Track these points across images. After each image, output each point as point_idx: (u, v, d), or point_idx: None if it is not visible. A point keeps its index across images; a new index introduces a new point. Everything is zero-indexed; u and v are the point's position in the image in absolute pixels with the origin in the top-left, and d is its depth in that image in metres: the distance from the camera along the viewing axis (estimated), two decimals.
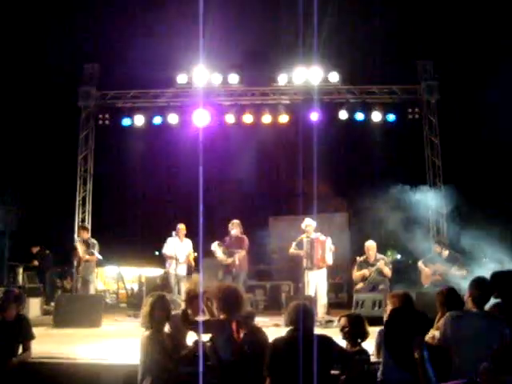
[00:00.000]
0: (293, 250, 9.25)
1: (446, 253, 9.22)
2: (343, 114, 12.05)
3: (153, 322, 4.38)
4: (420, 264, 9.40)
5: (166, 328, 4.56)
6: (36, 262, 12.24)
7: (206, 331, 4.34)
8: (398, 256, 9.25)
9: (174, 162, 13.58)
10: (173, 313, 4.69)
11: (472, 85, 12.74)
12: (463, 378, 2.97)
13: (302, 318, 4.04)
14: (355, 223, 12.18)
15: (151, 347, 4.30)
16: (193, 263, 9.94)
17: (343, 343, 4.40)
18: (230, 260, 9.26)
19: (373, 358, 4.40)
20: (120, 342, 6.62)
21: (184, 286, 9.62)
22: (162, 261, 10.18)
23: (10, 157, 13.00)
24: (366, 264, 9.12)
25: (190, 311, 4.64)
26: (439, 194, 11.90)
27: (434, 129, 12.17)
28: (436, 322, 4.94)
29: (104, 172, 13.06)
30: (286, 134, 12.70)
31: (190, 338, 4.80)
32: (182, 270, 9.68)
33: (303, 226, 9.20)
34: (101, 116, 12.44)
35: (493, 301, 4.39)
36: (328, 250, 9.03)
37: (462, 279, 8.44)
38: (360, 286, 9.05)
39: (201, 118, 12.06)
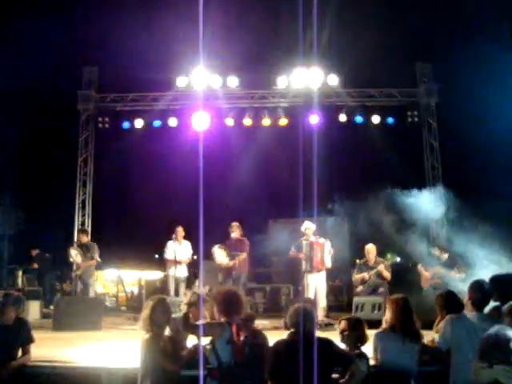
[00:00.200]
0: (292, 252, 9.25)
1: (445, 256, 9.21)
2: (343, 117, 12.08)
3: (153, 325, 4.38)
4: (419, 267, 9.40)
5: (166, 331, 4.56)
6: (35, 265, 12.24)
7: (206, 334, 4.33)
8: (398, 259, 9.24)
9: (174, 164, 13.58)
10: (173, 316, 4.69)
11: (471, 88, 12.76)
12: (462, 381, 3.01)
13: (303, 320, 4.04)
14: (354, 226, 12.17)
15: (151, 350, 4.29)
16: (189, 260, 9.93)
17: (342, 346, 4.40)
18: (230, 263, 9.25)
19: (371, 362, 4.40)
20: (120, 345, 6.61)
21: (183, 288, 9.65)
22: (161, 264, 10.18)
23: (10, 160, 13.01)
24: (366, 267, 9.12)
25: (191, 314, 4.64)
26: (438, 197, 11.90)
27: (433, 132, 12.20)
28: (435, 325, 4.95)
29: (104, 175, 13.06)
30: (285, 137, 12.71)
31: (191, 341, 4.80)
32: (182, 273, 9.69)
33: (303, 228, 9.19)
34: (100, 119, 12.45)
35: (492, 304, 4.40)
36: (327, 253, 9.02)
37: (461, 282, 8.44)
38: (360, 288, 9.05)
39: (200, 121, 12.07)
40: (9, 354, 4.85)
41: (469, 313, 4.27)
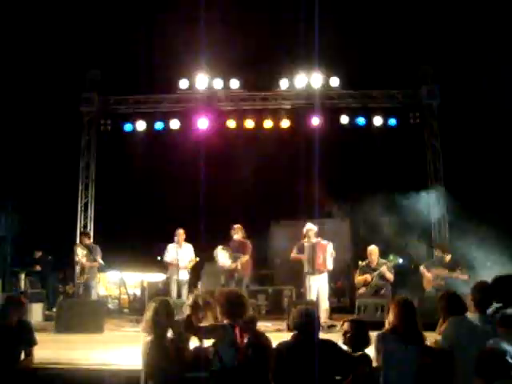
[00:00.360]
0: (294, 254, 9.25)
1: (448, 257, 9.21)
2: (344, 119, 12.07)
3: (155, 327, 4.37)
4: (422, 269, 9.39)
5: (169, 333, 4.56)
6: (38, 267, 12.25)
7: (209, 336, 4.34)
8: (400, 260, 9.23)
9: (176, 166, 13.59)
10: (176, 318, 4.69)
11: (473, 89, 12.75)
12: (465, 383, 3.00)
13: (306, 322, 4.04)
14: (357, 228, 12.18)
15: (153, 352, 4.29)
16: (192, 264, 9.93)
17: (345, 348, 4.40)
18: (233, 265, 9.25)
19: (374, 363, 4.39)
20: (122, 347, 6.61)
21: (186, 290, 9.66)
22: (164, 266, 10.18)
23: (12, 163, 13.02)
24: (369, 269, 9.11)
25: (194, 317, 4.64)
26: (441, 199, 11.90)
27: (435, 133, 12.18)
28: (438, 327, 4.94)
29: (106, 177, 13.07)
30: (287, 139, 12.72)
31: (193, 343, 4.80)
32: (184, 275, 9.69)
33: (304, 230, 9.19)
34: (103, 121, 12.47)
35: (495, 305, 4.38)
36: (329, 255, 9.02)
37: (464, 284, 8.44)
38: (362, 290, 9.05)
39: (202, 123, 12.10)
40: (11, 356, 4.86)
41: (472, 314, 4.26)
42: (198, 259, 9.98)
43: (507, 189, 12.39)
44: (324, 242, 9.09)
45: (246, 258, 9.37)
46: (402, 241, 10.05)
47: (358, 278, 9.22)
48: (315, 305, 8.24)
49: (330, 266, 9.04)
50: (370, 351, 4.46)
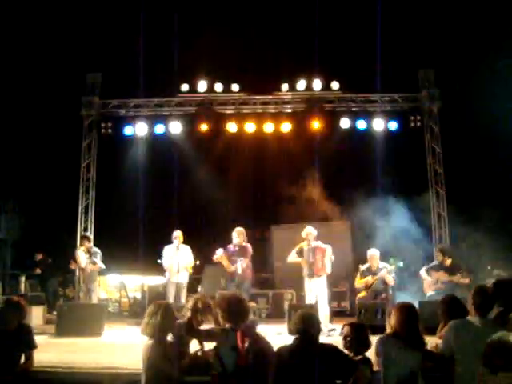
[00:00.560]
0: (292, 258, 9.24)
1: (448, 261, 9.20)
2: (345, 123, 12.07)
3: (156, 330, 4.37)
4: (422, 272, 9.38)
5: (169, 336, 4.55)
6: (38, 270, 12.25)
7: (209, 340, 4.33)
8: (401, 264, 9.21)
9: (176, 170, 13.59)
10: (176, 321, 4.69)
11: (473, 92, 12.77)
12: None
13: (308, 326, 4.03)
14: (357, 231, 12.16)
15: (154, 356, 4.28)
16: (191, 271, 9.90)
17: (345, 352, 4.39)
18: (233, 268, 9.23)
19: (374, 367, 4.39)
20: (122, 350, 6.60)
21: (184, 294, 9.62)
22: (163, 269, 10.16)
23: (13, 165, 13.04)
24: (369, 272, 9.11)
25: (194, 320, 4.64)
26: (441, 202, 11.90)
27: (436, 137, 12.18)
28: (439, 331, 4.93)
29: (106, 180, 13.07)
30: (287, 143, 12.73)
31: (194, 346, 4.79)
32: (183, 278, 9.64)
33: (303, 234, 9.19)
34: (103, 125, 12.46)
35: (496, 309, 4.38)
36: (328, 259, 9.02)
37: (465, 287, 8.43)
38: (363, 294, 9.04)
39: (203, 127, 12.10)
40: (11, 360, 4.85)
41: (472, 318, 4.25)
42: (197, 262, 9.95)
43: (507, 193, 12.39)
44: (323, 245, 9.09)
45: (245, 262, 9.35)
46: (403, 244, 10.04)
47: (359, 282, 9.22)
48: (313, 308, 8.23)
49: (328, 269, 9.03)
50: (371, 355, 4.46)
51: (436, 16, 12.74)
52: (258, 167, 13.71)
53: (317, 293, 8.89)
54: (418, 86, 12.32)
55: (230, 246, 9.43)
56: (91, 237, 11.43)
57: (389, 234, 10.16)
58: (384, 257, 9.36)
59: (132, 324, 9.68)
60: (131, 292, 12.77)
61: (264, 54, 13.35)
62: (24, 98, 13.19)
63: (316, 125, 11.99)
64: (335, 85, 12.10)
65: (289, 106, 12.52)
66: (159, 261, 10.12)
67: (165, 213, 14.33)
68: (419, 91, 12.26)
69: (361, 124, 12.07)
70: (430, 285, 9.14)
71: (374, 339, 4.47)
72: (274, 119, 12.31)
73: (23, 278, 11.85)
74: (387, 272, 8.91)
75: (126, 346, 7.08)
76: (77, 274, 10.03)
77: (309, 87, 12.09)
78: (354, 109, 12.29)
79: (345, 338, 4.44)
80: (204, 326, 4.84)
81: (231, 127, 12.24)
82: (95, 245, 10.38)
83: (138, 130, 12.31)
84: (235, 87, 12.25)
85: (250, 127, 12.22)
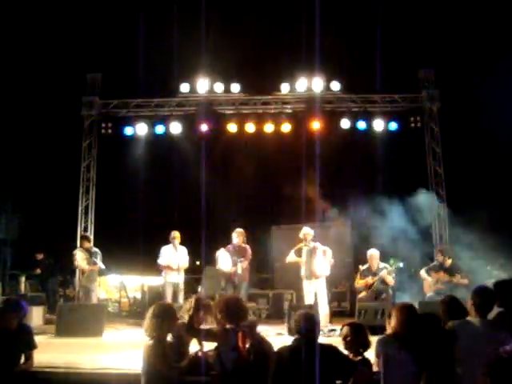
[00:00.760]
0: (291, 257, 9.24)
1: (449, 261, 9.21)
2: (345, 123, 12.08)
3: (156, 331, 4.37)
4: (422, 273, 9.38)
5: (169, 337, 4.55)
6: (38, 270, 12.24)
7: (209, 339, 4.33)
8: (401, 264, 9.20)
9: (177, 170, 13.60)
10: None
11: (473, 93, 12.76)
12: None
13: (308, 327, 4.03)
14: (357, 232, 12.16)
15: (154, 356, 4.29)
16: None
17: (345, 352, 4.39)
18: (232, 269, 9.23)
19: (374, 368, 4.38)
20: (122, 351, 6.60)
21: (182, 294, 9.61)
22: (161, 270, 10.14)
23: (13, 165, 13.03)
24: (369, 272, 9.11)
25: (195, 319, 4.64)
26: (441, 203, 11.90)
27: (436, 137, 12.20)
28: None
29: (107, 181, 13.08)
30: (288, 143, 12.73)
31: (194, 347, 4.79)
32: (180, 279, 9.63)
33: (301, 234, 9.19)
34: (104, 125, 12.48)
35: (496, 310, 4.38)
36: (327, 260, 9.01)
37: (465, 288, 8.43)
38: (363, 294, 9.03)
39: (203, 127, 12.11)
40: (11, 360, 4.84)
41: (473, 319, 4.25)
42: (198, 263, 9.95)
43: (507, 193, 12.39)
44: (322, 247, 9.08)
45: (245, 263, 9.35)
46: (403, 245, 10.03)
47: (359, 282, 9.21)
48: (313, 309, 8.22)
49: (326, 271, 9.03)
50: (371, 355, 4.46)
51: (436, 16, 12.74)
52: (258, 167, 13.70)
53: (315, 294, 8.89)
54: (418, 87, 12.33)
55: (230, 247, 9.44)
56: (91, 237, 11.43)
57: (389, 234, 10.15)
58: (384, 257, 9.35)
59: (132, 324, 9.68)
60: (131, 292, 12.76)
61: (264, 54, 13.35)
62: (24, 98, 13.19)
63: (316, 125, 12.00)
64: (335, 85, 12.11)
65: (289, 107, 12.54)
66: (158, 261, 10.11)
67: (165, 213, 14.33)
68: (419, 91, 12.27)
69: (361, 124, 12.08)
70: (430, 285, 9.14)
71: (373, 340, 4.47)
72: (274, 119, 12.32)
73: (23, 278, 11.84)
74: (387, 272, 8.91)
75: (125, 346, 7.07)
76: (76, 274, 10.01)
77: (309, 87, 12.09)
78: (354, 109, 12.30)
79: (344, 338, 4.44)
80: (204, 326, 4.84)
81: (231, 127, 12.25)
82: (95, 245, 10.37)
83: (139, 130, 12.32)
84: (235, 87, 12.26)
85: (250, 127, 12.23)
